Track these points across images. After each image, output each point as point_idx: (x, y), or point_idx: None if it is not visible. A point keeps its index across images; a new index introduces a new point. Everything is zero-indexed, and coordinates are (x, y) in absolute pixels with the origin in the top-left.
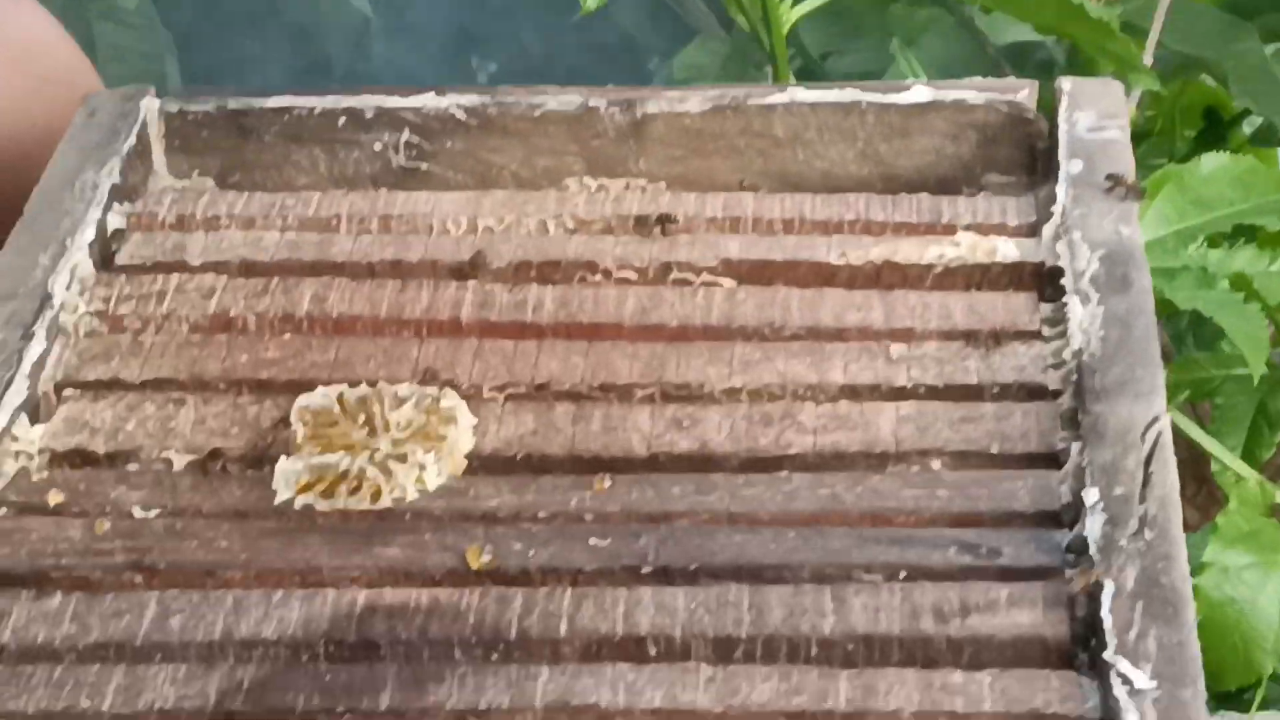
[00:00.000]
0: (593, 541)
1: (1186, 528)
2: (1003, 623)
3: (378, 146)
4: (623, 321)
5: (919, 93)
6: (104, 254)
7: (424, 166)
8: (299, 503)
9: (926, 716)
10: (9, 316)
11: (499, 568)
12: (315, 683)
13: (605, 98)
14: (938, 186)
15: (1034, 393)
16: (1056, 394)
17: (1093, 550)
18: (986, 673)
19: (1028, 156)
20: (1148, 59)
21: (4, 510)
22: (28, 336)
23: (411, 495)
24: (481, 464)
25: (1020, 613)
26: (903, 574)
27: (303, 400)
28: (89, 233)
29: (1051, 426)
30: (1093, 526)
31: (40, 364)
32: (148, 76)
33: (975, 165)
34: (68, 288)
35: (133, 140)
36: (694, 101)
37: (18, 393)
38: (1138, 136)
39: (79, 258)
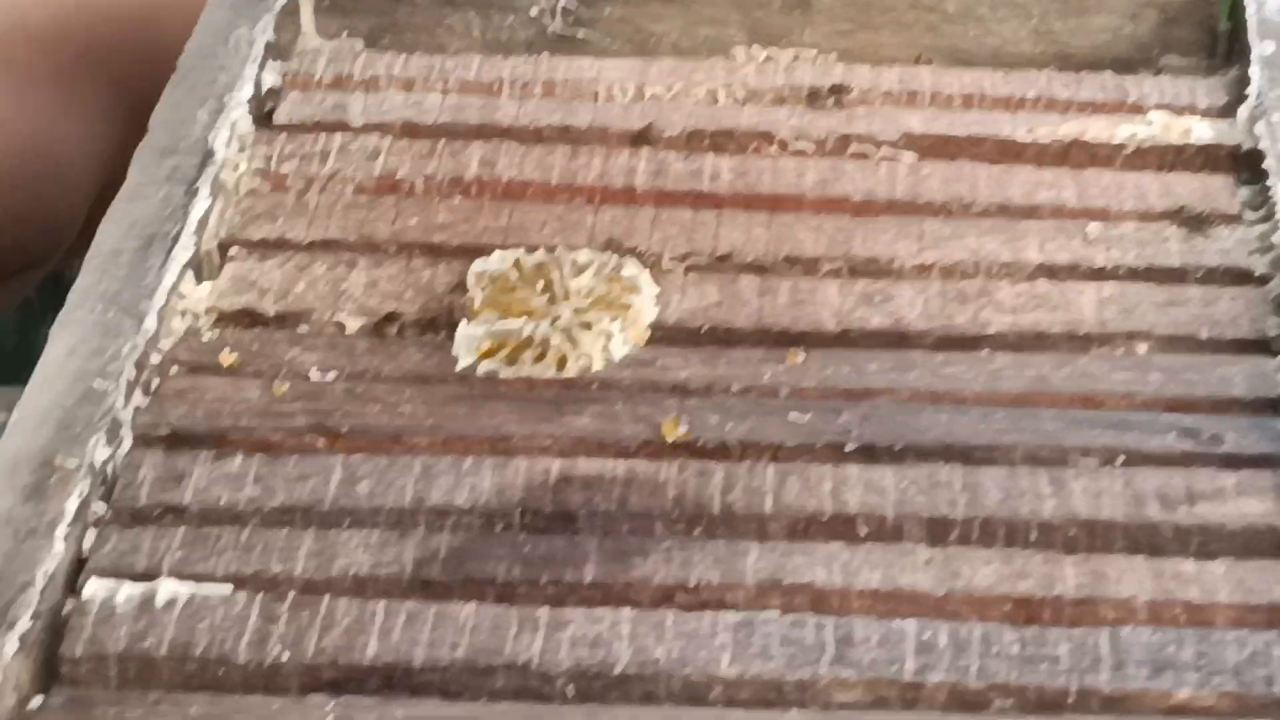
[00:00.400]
0: (792, 416)
1: None
2: (1231, 511)
3: (534, 11)
4: (803, 193)
5: None
6: (261, 112)
7: (580, 34)
8: (482, 369)
9: (1161, 606)
10: (171, 171)
11: (696, 440)
12: (515, 553)
13: None
14: (1113, 67)
15: (1240, 277)
16: (1264, 279)
17: None
18: (1219, 562)
19: (1208, 38)
20: None
21: (176, 369)
22: (192, 192)
23: (598, 364)
24: (665, 335)
25: (1249, 501)
26: (1121, 458)
27: (479, 265)
28: (247, 89)
29: (1262, 312)
30: None
31: (204, 221)
32: None
33: (1153, 46)
34: (228, 144)
35: None
36: None
37: (184, 249)
38: None
39: (238, 114)
